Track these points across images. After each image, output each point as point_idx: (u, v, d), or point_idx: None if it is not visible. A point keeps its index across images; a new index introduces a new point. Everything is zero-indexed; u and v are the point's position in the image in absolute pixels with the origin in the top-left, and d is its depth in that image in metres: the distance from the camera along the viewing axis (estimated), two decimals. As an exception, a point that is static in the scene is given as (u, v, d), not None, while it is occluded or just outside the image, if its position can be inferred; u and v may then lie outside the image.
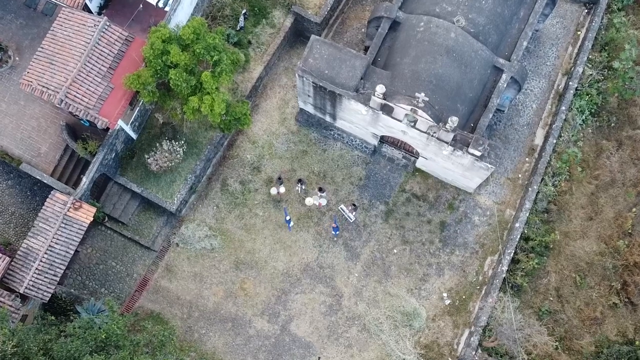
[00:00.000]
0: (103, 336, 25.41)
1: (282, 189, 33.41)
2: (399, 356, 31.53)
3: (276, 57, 35.41)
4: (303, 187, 33.66)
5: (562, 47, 35.91)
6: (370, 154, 34.42)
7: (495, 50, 30.43)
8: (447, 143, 29.09)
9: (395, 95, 28.55)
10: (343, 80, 29.47)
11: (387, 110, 29.29)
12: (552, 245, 32.43)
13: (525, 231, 32.00)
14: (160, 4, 31.67)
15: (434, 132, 28.86)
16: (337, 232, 33.21)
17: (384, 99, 28.46)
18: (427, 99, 27.47)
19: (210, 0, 34.37)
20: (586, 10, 36.30)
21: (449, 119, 27.34)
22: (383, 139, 33.67)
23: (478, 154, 28.69)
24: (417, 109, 27.84)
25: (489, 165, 29.22)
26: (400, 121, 29.57)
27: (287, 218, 32.72)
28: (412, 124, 29.17)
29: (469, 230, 33.46)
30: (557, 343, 31.02)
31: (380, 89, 27.86)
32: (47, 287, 28.28)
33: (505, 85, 29.83)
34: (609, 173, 33.63)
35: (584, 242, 32.83)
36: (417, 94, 27.44)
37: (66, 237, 28.65)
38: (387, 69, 30.08)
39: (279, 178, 33.63)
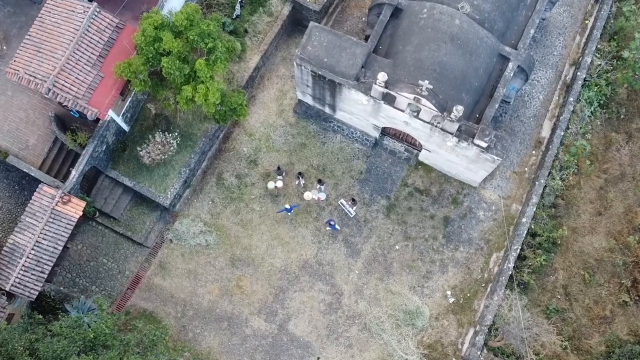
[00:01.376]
0: (91, 335, 24.58)
1: (280, 183, 32.34)
2: (401, 356, 30.59)
3: (273, 46, 34.38)
4: (303, 182, 32.59)
5: (569, 37, 34.94)
6: (371, 146, 33.37)
7: (501, 38, 29.42)
8: (451, 134, 28.04)
9: (398, 83, 27.47)
10: (343, 68, 28.44)
11: (389, 99, 28.25)
12: (559, 241, 31.57)
13: (532, 227, 31.07)
14: (153, -9, 30.65)
15: (438, 123, 27.82)
16: (334, 228, 32.16)
17: (386, 87, 27.41)
18: (430, 86, 26.40)
19: (205, -13, 33.39)
20: (594, -2, 35.37)
21: (454, 108, 26.29)
22: (384, 131, 32.65)
23: (484, 145, 27.65)
24: (420, 97, 26.80)
25: (495, 157, 28.17)
26: (402, 111, 28.54)
27: (287, 207, 31.71)
28: (415, 114, 28.14)
29: (474, 225, 32.47)
30: (565, 343, 30.11)
31: (382, 77, 26.81)
32: (34, 284, 27.32)
33: (511, 75, 28.82)
34: (618, 166, 32.80)
35: (592, 238, 31.97)
36: (420, 82, 26.37)
37: (54, 233, 27.68)
38: (389, 57, 29.03)
39: (279, 168, 32.44)
